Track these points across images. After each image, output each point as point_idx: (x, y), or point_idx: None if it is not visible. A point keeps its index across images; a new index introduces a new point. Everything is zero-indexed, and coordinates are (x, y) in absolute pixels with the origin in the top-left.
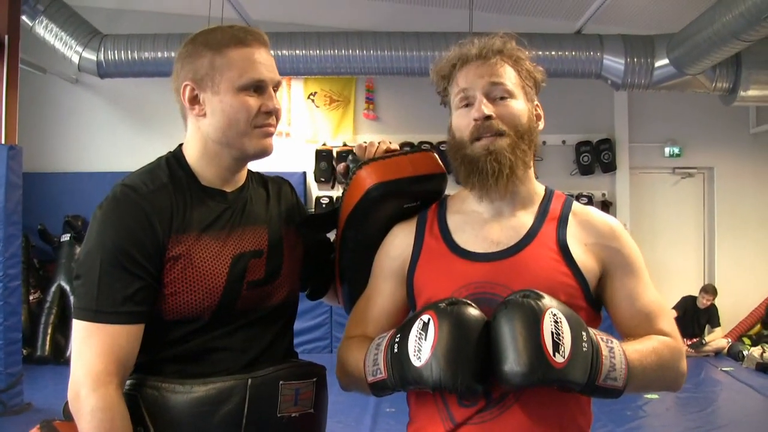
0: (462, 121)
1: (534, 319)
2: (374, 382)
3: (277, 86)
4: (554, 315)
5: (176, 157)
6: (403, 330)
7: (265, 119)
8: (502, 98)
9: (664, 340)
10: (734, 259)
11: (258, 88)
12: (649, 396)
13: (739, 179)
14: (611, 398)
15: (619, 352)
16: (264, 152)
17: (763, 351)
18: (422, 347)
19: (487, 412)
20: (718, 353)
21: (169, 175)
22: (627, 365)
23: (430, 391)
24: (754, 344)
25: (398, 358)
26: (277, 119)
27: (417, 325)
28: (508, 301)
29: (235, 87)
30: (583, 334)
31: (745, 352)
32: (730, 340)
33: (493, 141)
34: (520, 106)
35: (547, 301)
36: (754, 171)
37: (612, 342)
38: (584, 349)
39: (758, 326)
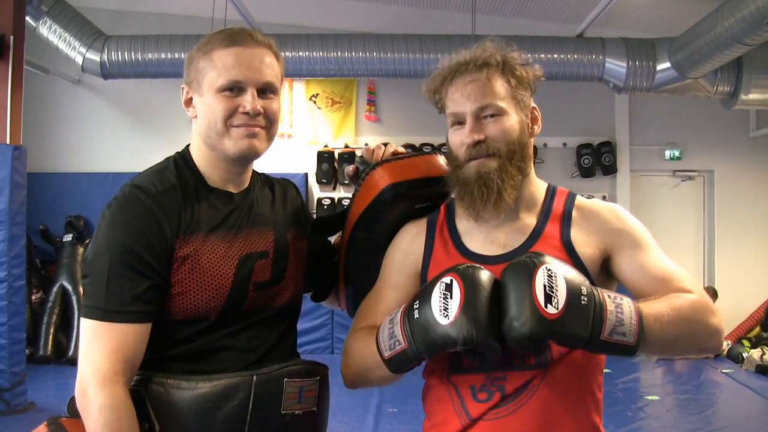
0: (456, 140)
1: (527, 273)
2: (392, 356)
3: (266, 86)
4: (548, 270)
5: (183, 157)
6: (423, 296)
7: (243, 120)
8: (492, 116)
9: (686, 296)
10: (734, 261)
11: (236, 88)
12: (649, 397)
13: (738, 182)
14: (626, 356)
15: (629, 308)
16: (247, 153)
17: (763, 353)
18: (449, 305)
19: (503, 408)
20: (717, 355)
21: (177, 176)
22: (639, 320)
23: (458, 348)
24: (753, 346)
25: (420, 322)
26: (270, 120)
27: (439, 288)
28: (512, 262)
29: (213, 88)
30: (583, 288)
31: (745, 355)
32: (729, 342)
33: (484, 162)
34: (511, 122)
35: (545, 258)
36: (754, 174)
37: (621, 299)
38: (583, 302)
39: (757, 328)
